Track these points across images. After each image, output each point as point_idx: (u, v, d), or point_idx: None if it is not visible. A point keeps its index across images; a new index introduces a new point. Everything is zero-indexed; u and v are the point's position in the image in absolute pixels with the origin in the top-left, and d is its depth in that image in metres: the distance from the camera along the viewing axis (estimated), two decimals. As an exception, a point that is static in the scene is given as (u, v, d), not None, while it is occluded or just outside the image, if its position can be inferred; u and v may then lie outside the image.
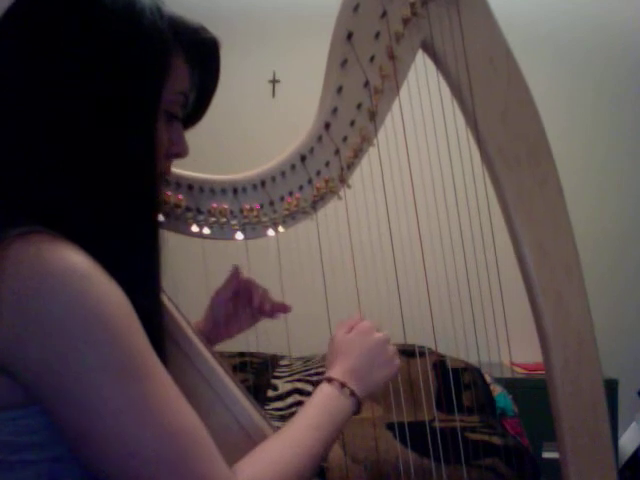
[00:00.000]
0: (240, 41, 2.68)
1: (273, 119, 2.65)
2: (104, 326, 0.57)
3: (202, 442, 0.61)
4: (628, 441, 2.41)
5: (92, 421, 0.57)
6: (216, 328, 1.00)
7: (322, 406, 0.77)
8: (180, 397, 0.62)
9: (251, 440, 0.77)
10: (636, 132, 2.75)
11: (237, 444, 0.63)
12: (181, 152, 0.77)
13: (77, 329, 0.56)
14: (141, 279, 0.66)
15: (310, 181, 0.87)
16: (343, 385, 0.79)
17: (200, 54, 0.75)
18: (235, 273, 0.99)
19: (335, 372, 0.81)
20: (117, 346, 0.58)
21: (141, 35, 0.66)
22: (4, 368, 0.58)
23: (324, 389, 0.79)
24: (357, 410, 0.80)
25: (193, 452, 0.60)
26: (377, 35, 0.85)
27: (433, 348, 1.51)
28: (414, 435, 1.55)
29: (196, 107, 0.79)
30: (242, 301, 1.00)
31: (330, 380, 0.80)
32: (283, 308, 0.98)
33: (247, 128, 2.68)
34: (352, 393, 0.79)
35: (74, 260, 0.58)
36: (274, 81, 2.76)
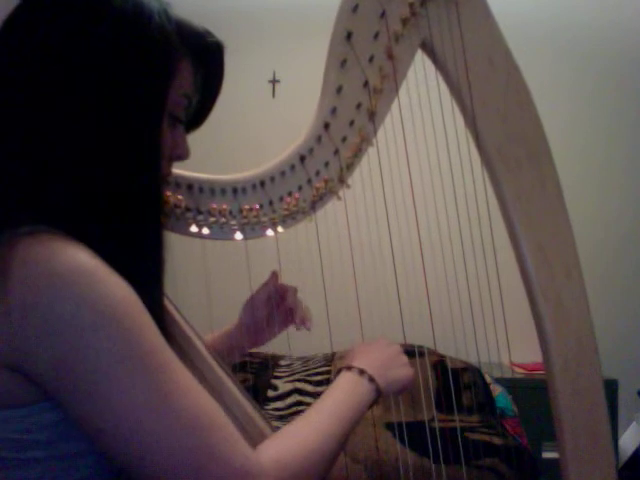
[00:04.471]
0: (240, 41, 2.67)
1: (273, 119, 2.65)
2: (115, 320, 0.57)
3: (222, 426, 0.62)
4: (628, 441, 2.42)
5: (110, 415, 0.57)
6: (252, 333, 1.02)
7: (345, 389, 0.78)
8: (196, 384, 0.62)
9: (251, 440, 0.76)
10: (636, 132, 2.75)
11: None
12: (183, 154, 0.78)
13: (88, 325, 0.57)
14: (145, 278, 0.66)
15: (309, 181, 0.87)
16: (362, 371, 0.81)
17: (205, 58, 0.76)
18: (273, 278, 1.01)
19: (354, 363, 0.82)
20: (129, 339, 0.58)
21: (149, 39, 0.66)
22: (16, 367, 0.58)
23: (345, 375, 0.81)
24: (377, 398, 0.81)
25: (214, 437, 0.60)
26: (376, 35, 0.85)
27: (433, 348, 1.50)
28: (413, 435, 1.55)
29: (199, 110, 0.80)
30: (275, 304, 1.02)
31: (349, 368, 0.81)
32: (305, 323, 1.00)
33: (247, 128, 2.68)
34: (371, 379, 0.80)
35: (80, 258, 0.59)
36: (274, 81, 2.76)
